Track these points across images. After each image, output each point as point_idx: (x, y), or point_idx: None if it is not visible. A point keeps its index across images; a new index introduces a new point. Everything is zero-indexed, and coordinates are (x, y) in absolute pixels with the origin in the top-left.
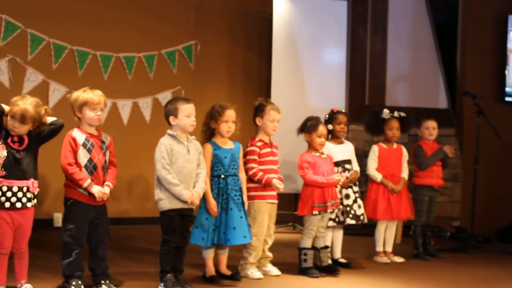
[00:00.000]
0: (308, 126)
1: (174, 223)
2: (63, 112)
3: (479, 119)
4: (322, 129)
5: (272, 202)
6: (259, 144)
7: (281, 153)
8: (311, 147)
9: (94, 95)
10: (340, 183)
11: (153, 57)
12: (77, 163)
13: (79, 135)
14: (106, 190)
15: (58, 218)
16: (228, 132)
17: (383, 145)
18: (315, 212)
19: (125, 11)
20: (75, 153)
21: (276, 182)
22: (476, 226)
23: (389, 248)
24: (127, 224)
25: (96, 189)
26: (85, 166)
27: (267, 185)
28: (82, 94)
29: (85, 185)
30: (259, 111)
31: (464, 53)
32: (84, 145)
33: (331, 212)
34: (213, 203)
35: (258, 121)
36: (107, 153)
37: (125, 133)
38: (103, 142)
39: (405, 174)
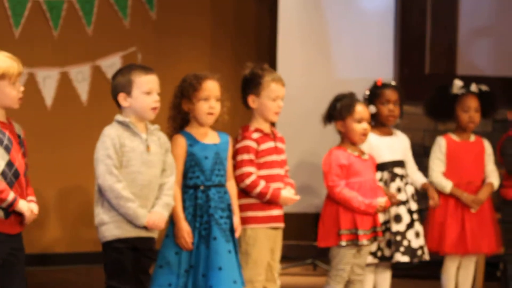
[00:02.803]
0: (339, 109)
1: (124, 261)
2: None
3: None
4: (361, 109)
5: (276, 227)
6: (255, 136)
7: (294, 151)
8: (346, 140)
9: (12, 61)
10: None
11: (92, 1)
12: None
13: None
14: (35, 208)
15: None
16: (209, 116)
17: (454, 137)
18: (342, 242)
19: None
20: None
21: (287, 194)
22: None
23: None
24: (53, 264)
25: (25, 206)
26: (3, 174)
27: (273, 202)
28: None
29: (9, 199)
30: (251, 85)
31: None
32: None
33: (370, 243)
34: (185, 229)
35: (251, 101)
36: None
37: (48, 120)
38: (19, 136)
39: (493, 179)
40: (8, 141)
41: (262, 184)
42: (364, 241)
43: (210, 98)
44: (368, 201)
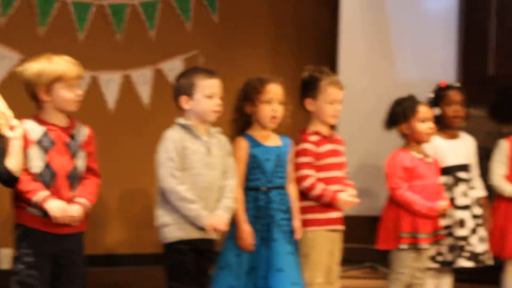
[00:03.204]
0: (402, 111)
1: (186, 262)
2: (11, 94)
3: None
4: (424, 109)
5: (335, 230)
6: (313, 138)
7: (355, 154)
8: (410, 143)
9: (70, 65)
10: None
11: (155, 4)
12: (26, 170)
13: (33, 127)
14: (74, 208)
15: (6, 256)
16: (273, 120)
17: None
18: (402, 245)
19: None
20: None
21: (346, 198)
22: None
23: None
24: (115, 265)
25: (54, 205)
26: (40, 174)
27: (332, 205)
28: (49, 66)
29: (35, 198)
30: (309, 88)
31: None
32: (39, 141)
33: (431, 247)
34: (247, 231)
35: (309, 104)
36: (81, 155)
37: (111, 123)
38: (72, 137)
39: None
40: (49, 142)
41: (320, 186)
42: (424, 245)
43: (273, 101)
44: (430, 205)
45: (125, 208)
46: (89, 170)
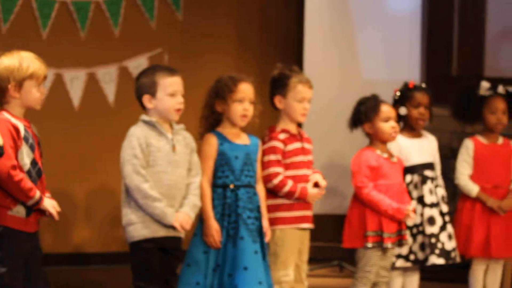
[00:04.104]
0: (365, 111)
1: (152, 261)
2: None
3: None
4: (387, 109)
5: (304, 228)
6: (282, 136)
7: (322, 153)
8: (375, 142)
9: (40, 63)
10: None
11: (119, 2)
12: (20, 167)
13: (19, 124)
14: (56, 205)
15: None
16: (243, 118)
17: (482, 139)
18: (368, 244)
19: None
20: (16, 151)
21: (314, 191)
22: None
23: None
24: (80, 263)
25: (49, 204)
26: (28, 172)
27: (302, 200)
28: (23, 62)
29: (36, 196)
30: (279, 86)
31: None
32: (25, 139)
33: (394, 247)
34: (215, 228)
35: (278, 101)
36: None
37: (75, 120)
38: (36, 136)
39: None
40: (32, 140)
41: (289, 183)
42: (388, 244)
43: (245, 100)
44: (397, 206)
45: (92, 206)
46: None
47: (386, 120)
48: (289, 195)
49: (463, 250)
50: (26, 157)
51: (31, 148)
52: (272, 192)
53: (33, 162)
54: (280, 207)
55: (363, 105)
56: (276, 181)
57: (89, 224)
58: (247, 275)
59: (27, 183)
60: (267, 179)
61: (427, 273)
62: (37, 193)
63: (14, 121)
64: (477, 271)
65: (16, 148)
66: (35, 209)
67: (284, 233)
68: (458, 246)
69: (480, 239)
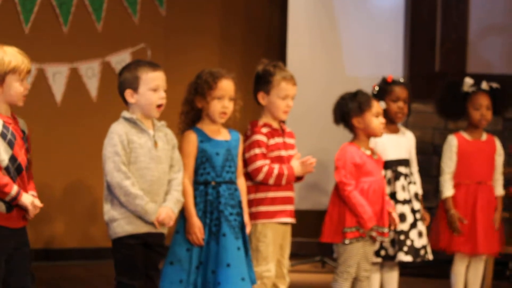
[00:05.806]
0: (357, 105)
1: (135, 257)
2: None
3: None
4: (377, 104)
5: (286, 223)
6: (264, 130)
7: (303, 149)
8: (359, 137)
9: (23, 57)
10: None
11: None
12: None
13: None
14: (38, 202)
15: None
16: (222, 115)
17: (466, 136)
18: (346, 240)
19: None
20: None
21: (298, 163)
22: None
23: None
24: (61, 259)
25: (28, 200)
26: (6, 168)
27: (292, 179)
28: (5, 56)
29: (12, 192)
30: (262, 82)
31: None
32: (3, 135)
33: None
34: (197, 225)
35: (261, 97)
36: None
37: (58, 116)
38: (23, 132)
39: (499, 189)
40: (11, 136)
41: (276, 167)
42: (366, 238)
43: (224, 97)
44: (371, 215)
45: (73, 202)
46: (29, 163)
47: (377, 115)
48: (279, 178)
49: (447, 246)
50: (3, 153)
51: (10, 144)
52: (255, 187)
53: (12, 158)
54: (262, 201)
55: (355, 99)
56: (263, 172)
57: (69, 220)
58: (230, 272)
59: (3, 179)
60: (254, 173)
61: (409, 269)
62: (14, 189)
63: None
64: (459, 267)
65: None
66: (14, 205)
67: (266, 228)
68: (441, 241)
69: (464, 235)
